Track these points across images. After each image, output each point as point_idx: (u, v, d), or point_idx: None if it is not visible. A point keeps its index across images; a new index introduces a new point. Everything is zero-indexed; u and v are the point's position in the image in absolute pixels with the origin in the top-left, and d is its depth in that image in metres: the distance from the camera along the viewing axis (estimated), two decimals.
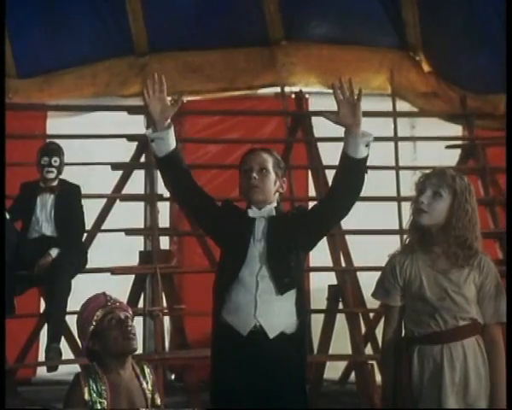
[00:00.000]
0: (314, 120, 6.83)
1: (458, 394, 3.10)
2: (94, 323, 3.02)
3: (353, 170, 3.22)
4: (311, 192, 6.96)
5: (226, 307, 3.18)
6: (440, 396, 3.09)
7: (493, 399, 3.11)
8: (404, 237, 3.33)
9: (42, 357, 5.91)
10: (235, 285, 3.17)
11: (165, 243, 6.90)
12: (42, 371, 6.51)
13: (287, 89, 7.52)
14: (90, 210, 6.16)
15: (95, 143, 6.84)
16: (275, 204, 3.28)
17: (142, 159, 6.55)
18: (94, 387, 2.99)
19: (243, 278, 3.17)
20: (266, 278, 3.16)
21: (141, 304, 6.17)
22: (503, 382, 3.11)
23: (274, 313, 3.15)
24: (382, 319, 6.34)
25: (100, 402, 2.98)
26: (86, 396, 2.98)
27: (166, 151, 3.23)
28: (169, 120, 3.24)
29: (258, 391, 3.14)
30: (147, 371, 3.11)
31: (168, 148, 3.23)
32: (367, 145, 3.19)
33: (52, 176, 5.77)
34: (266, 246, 3.19)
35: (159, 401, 3.13)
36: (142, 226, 6.66)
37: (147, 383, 3.09)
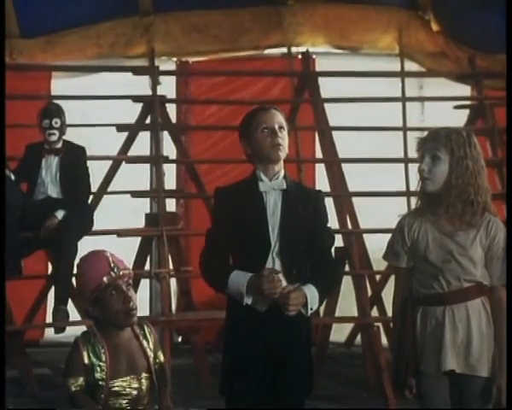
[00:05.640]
0: (321, 80, 6.76)
1: (460, 355, 3.11)
2: (96, 291, 2.98)
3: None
4: (318, 154, 6.92)
5: None
6: (440, 356, 3.10)
7: (499, 360, 3.11)
8: (411, 198, 3.31)
9: (49, 319, 5.95)
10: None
11: (171, 205, 6.89)
12: (49, 333, 6.55)
13: (293, 49, 7.44)
14: (96, 172, 6.15)
15: (99, 105, 6.80)
16: (283, 172, 3.24)
17: (148, 120, 6.51)
18: (93, 351, 3.00)
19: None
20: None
21: (147, 266, 6.18)
22: (504, 342, 3.11)
23: None
24: (388, 282, 6.36)
25: (99, 365, 2.99)
26: (85, 360, 2.99)
27: None
28: None
29: (269, 361, 3.14)
30: (147, 330, 3.11)
31: None
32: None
33: (54, 138, 5.74)
34: (279, 221, 3.14)
35: (162, 358, 3.13)
36: (148, 189, 6.64)
37: (147, 342, 3.09)
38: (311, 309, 3.13)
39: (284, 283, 3.08)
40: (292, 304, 3.05)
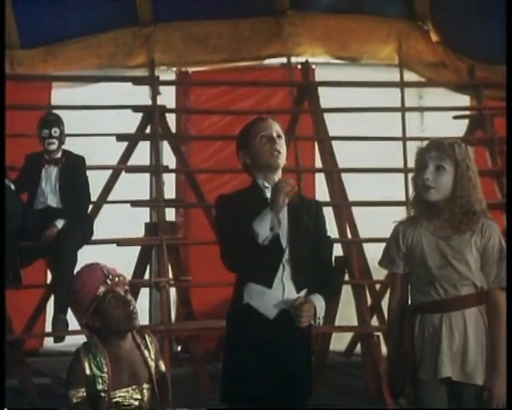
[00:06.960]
0: (320, 90, 6.78)
1: (456, 362, 3.11)
2: (95, 302, 2.98)
3: None
4: (318, 163, 6.93)
5: (249, 290, 3.16)
6: (437, 364, 3.10)
7: (492, 363, 3.10)
8: (409, 209, 3.31)
9: (49, 328, 5.94)
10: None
11: (170, 214, 6.89)
12: (49, 342, 6.55)
13: (293, 59, 7.46)
14: (96, 182, 6.16)
15: (100, 115, 6.81)
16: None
17: (148, 130, 6.52)
18: (94, 361, 3.00)
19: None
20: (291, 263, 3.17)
21: (147, 275, 6.18)
22: (502, 347, 3.10)
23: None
24: (388, 291, 6.35)
25: (101, 376, 2.99)
26: (87, 371, 2.99)
27: None
28: None
29: (269, 369, 3.15)
30: (148, 339, 3.11)
31: None
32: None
33: (54, 147, 5.76)
34: (287, 228, 3.16)
35: (163, 368, 3.13)
36: (148, 198, 6.64)
37: (149, 351, 3.09)
38: (319, 319, 3.17)
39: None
40: (305, 316, 3.11)
